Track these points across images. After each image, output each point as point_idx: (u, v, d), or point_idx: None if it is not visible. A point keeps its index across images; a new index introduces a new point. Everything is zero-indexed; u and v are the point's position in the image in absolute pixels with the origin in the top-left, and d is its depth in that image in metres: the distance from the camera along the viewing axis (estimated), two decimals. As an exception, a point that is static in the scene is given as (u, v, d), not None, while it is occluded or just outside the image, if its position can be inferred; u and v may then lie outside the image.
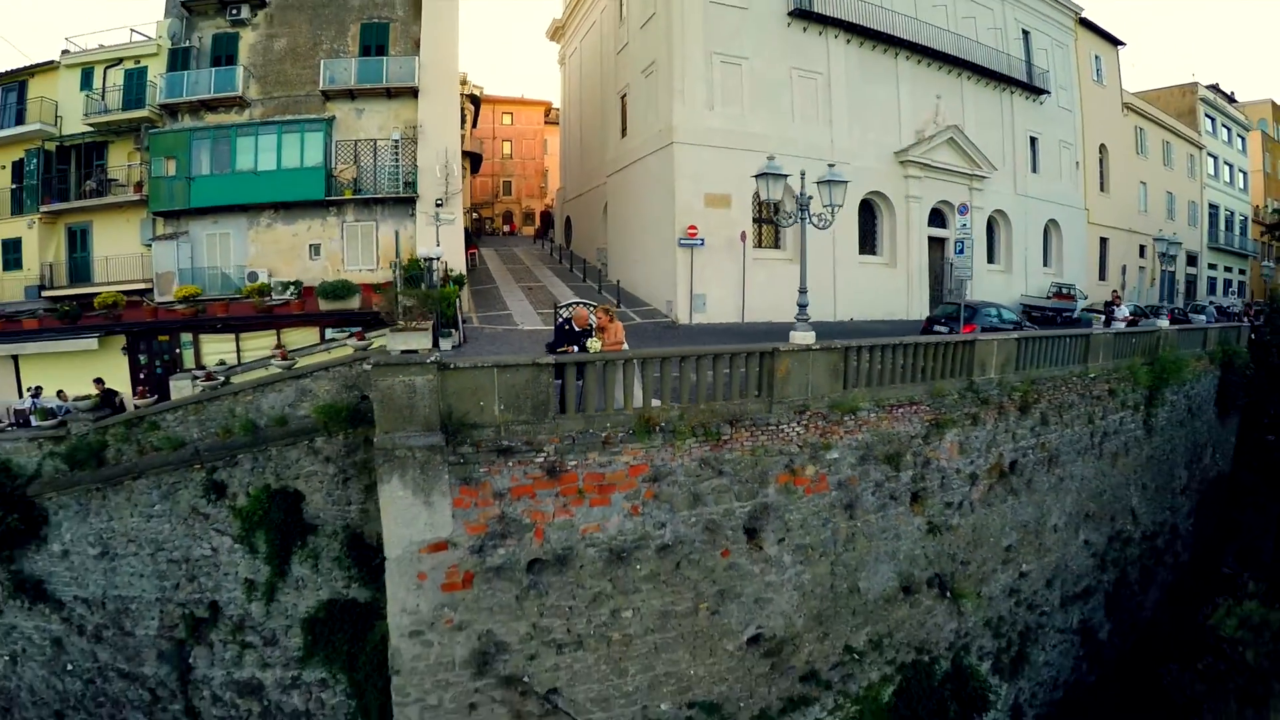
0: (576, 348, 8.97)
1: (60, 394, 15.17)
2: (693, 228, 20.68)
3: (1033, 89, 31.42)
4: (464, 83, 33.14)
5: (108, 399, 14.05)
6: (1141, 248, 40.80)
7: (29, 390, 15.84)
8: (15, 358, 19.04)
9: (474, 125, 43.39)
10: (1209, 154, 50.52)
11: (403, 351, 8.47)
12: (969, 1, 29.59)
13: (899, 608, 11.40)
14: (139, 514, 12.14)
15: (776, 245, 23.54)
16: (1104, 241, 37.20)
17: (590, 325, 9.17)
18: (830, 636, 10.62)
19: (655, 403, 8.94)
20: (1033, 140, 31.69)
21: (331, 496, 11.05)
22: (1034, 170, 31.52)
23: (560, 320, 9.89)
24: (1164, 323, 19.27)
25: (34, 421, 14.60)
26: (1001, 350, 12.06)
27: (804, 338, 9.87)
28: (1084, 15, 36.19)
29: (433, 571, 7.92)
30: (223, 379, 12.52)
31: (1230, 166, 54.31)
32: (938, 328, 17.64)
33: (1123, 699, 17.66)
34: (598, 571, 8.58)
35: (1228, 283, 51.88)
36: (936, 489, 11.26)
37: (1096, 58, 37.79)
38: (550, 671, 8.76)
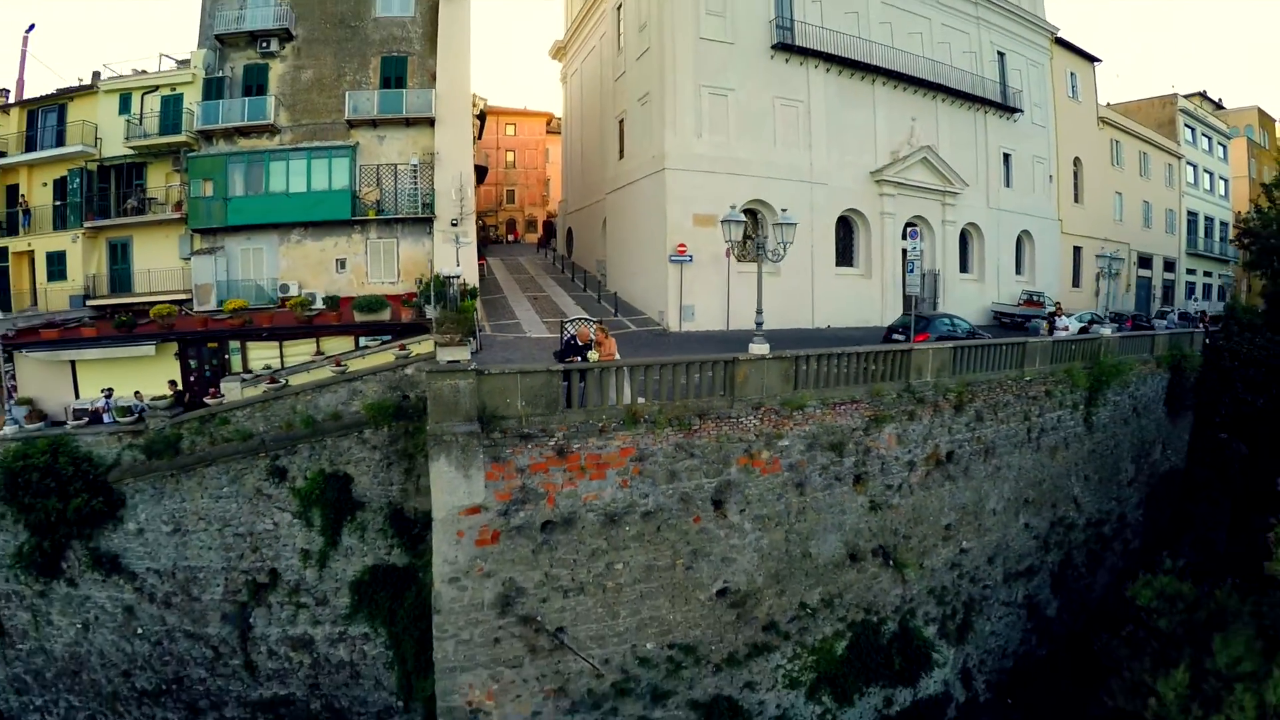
0: (580, 358, 11.45)
1: (137, 394, 17.67)
2: (682, 245, 23.22)
3: (1006, 108, 33.94)
4: (473, 102, 35.72)
5: (179, 398, 16.53)
6: (1115, 255, 43.25)
7: (102, 391, 18.34)
8: (73, 362, 21.52)
9: (479, 137, 46.00)
10: (1188, 163, 52.99)
11: (449, 361, 10.93)
12: (945, 27, 32.16)
13: (847, 572, 13.88)
14: (209, 495, 14.63)
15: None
16: (1078, 250, 39.73)
17: (590, 340, 11.66)
18: (787, 593, 13.10)
19: (640, 400, 11.43)
20: (1006, 156, 34.22)
21: (377, 478, 13.53)
22: (1007, 185, 34.06)
23: (566, 336, 12.41)
24: (1107, 331, 21.73)
25: (108, 419, 17.12)
26: (936, 357, 14.56)
27: (760, 349, 12.37)
28: (1060, 35, 38.74)
29: (469, 530, 10.39)
30: (283, 381, 15.01)
31: (1210, 174, 56.76)
32: (896, 336, 20.13)
33: (1073, 671, 20.10)
34: (595, 531, 11.07)
35: (1207, 287, 54.32)
36: (877, 473, 13.75)
37: (1072, 75, 40.34)
38: (558, 613, 11.24)
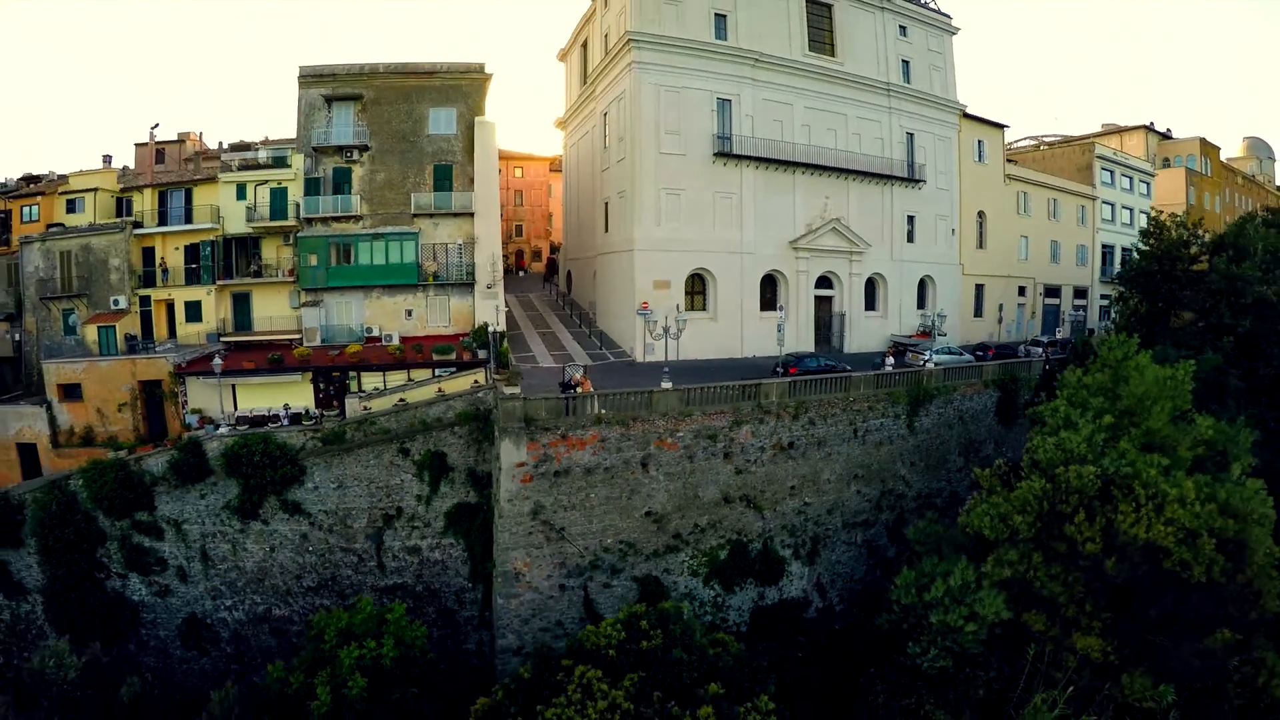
0: (574, 389, 23.76)
1: (286, 406, 30.08)
2: (645, 303, 35.61)
3: (912, 180, 46.22)
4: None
5: (330, 405, 28.87)
6: (1021, 288, 55.51)
7: (283, 406, 30.75)
8: (234, 385, 33.86)
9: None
10: (1104, 202, 65.17)
11: (510, 391, 23.13)
12: (860, 119, 44.52)
13: (723, 509, 26.19)
14: (360, 465, 26.97)
15: (703, 309, 38.47)
16: (980, 287, 51.94)
17: (578, 381, 23.96)
18: (686, 517, 25.40)
19: (602, 411, 23.71)
20: (910, 218, 46.53)
21: (461, 454, 25.83)
22: (910, 240, 46.34)
23: (565, 377, 24.79)
24: (931, 365, 33.89)
25: (285, 421, 29.57)
26: (779, 387, 26.82)
27: (665, 385, 24.67)
28: (967, 111, 51.02)
29: (517, 474, 22.71)
30: (401, 398, 27.23)
31: (1130, 210, 68.83)
32: (777, 370, 32.34)
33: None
34: (580, 477, 23.39)
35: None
36: (739, 453, 26.01)
37: (980, 142, 52.63)
38: (561, 520, 23.57)
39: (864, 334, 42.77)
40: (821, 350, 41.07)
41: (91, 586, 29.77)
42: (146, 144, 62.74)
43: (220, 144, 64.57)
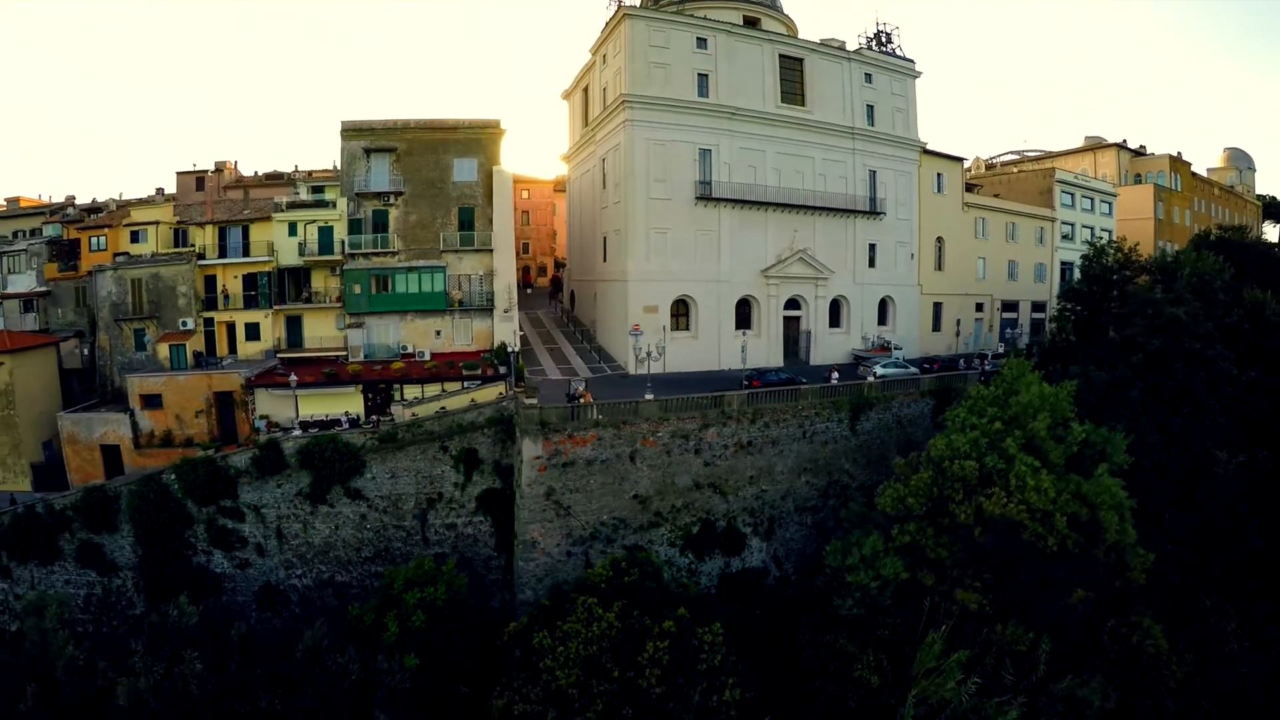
0: (578, 400, 31.96)
1: (346, 414, 38.35)
2: (637, 325, 43.78)
3: (874, 212, 54.33)
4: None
5: (367, 414, 37.12)
6: (979, 304, 63.57)
7: (344, 412, 39.01)
8: (295, 396, 42.07)
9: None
10: (1064, 223, 73.16)
11: (529, 401, 31.25)
12: (826, 160, 52.66)
13: (695, 493, 34.40)
14: (409, 459, 35.23)
15: (687, 329, 46.68)
16: (939, 305, 60.01)
17: (580, 393, 32.16)
18: (665, 499, 33.63)
19: (600, 416, 31.89)
20: (872, 246, 54.62)
21: (489, 450, 34.06)
22: (871, 265, 54.43)
23: (571, 391, 33.04)
24: (872, 378, 41.95)
25: (347, 425, 37.82)
26: (738, 398, 34.98)
27: (649, 396, 32.78)
28: (927, 147, 59.11)
29: (534, 465, 30.92)
30: (442, 406, 35.40)
31: (1090, 229, 76.73)
32: (743, 381, 40.45)
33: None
34: (582, 467, 31.57)
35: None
36: (707, 449, 34.16)
37: (939, 175, 60.75)
38: (568, 500, 31.85)
39: (829, 348, 50.95)
40: (790, 363, 49.29)
41: (180, 562, 37.99)
42: (188, 172, 71.60)
43: (255, 173, 73.36)
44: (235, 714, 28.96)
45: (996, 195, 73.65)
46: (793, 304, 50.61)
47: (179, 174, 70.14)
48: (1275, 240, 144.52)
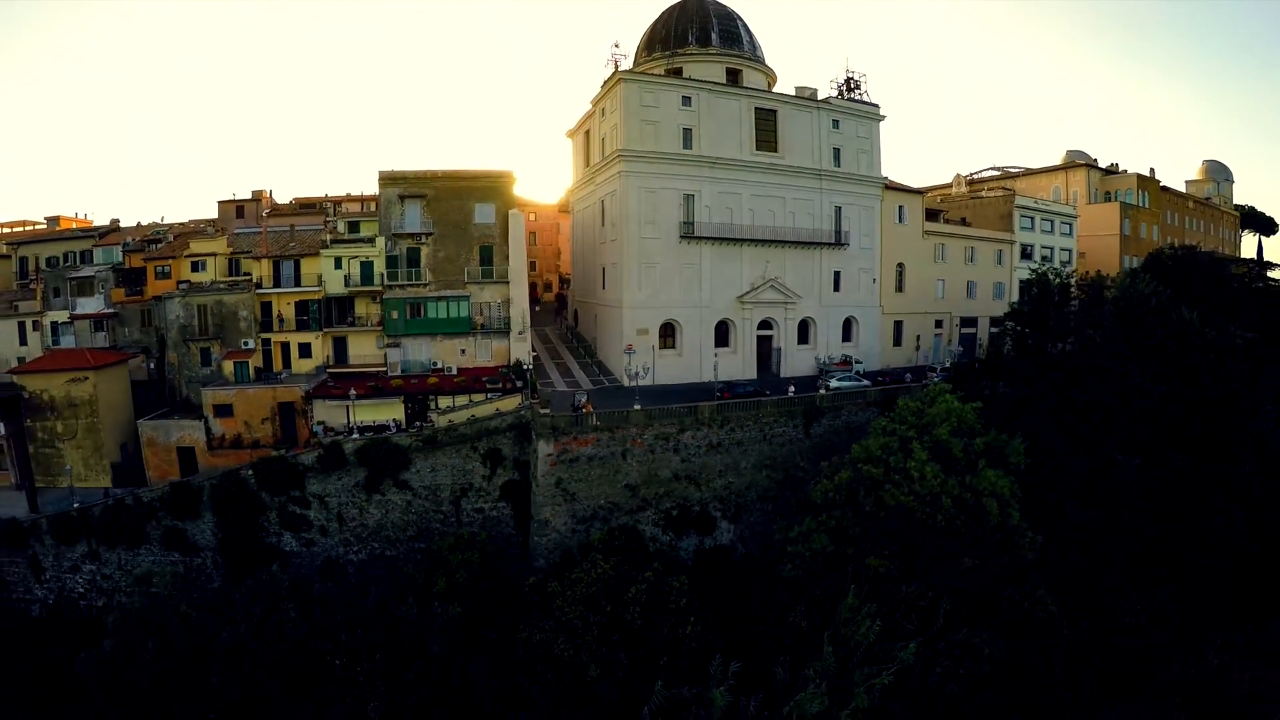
0: (581, 409, 42.43)
1: (394, 420, 48.91)
2: (630, 345, 54.20)
3: (838, 244, 64.62)
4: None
5: (409, 421, 47.64)
6: (938, 321, 73.75)
7: (391, 420, 49.54)
8: (348, 406, 52.59)
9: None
10: (1023, 244, 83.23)
11: (543, 410, 41.60)
12: (795, 200, 63.02)
13: (674, 484, 44.94)
14: (446, 456, 45.77)
15: (673, 348, 57.15)
16: (899, 323, 70.22)
17: (582, 403, 42.60)
18: (650, 488, 44.13)
19: (598, 423, 42.33)
20: (837, 273, 64.90)
21: (510, 449, 44.51)
22: (836, 289, 64.71)
23: (575, 402, 43.57)
24: (823, 391, 52.22)
25: (395, 430, 48.48)
26: (708, 408, 45.37)
27: (636, 407, 43.15)
28: (890, 182, 69.40)
29: (547, 460, 41.45)
30: (473, 414, 45.76)
31: (1050, 249, 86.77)
32: (717, 392, 50.78)
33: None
34: (585, 462, 42.08)
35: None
36: (684, 449, 44.54)
37: (900, 207, 71.04)
38: (573, 488, 42.46)
39: (797, 362, 61.27)
40: (763, 375, 59.68)
41: (255, 542, 48.53)
42: (229, 201, 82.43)
43: (291, 201, 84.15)
44: (319, 650, 39.35)
45: (963, 219, 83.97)
46: (765, 325, 60.99)
47: (220, 203, 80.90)
48: (1248, 253, 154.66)
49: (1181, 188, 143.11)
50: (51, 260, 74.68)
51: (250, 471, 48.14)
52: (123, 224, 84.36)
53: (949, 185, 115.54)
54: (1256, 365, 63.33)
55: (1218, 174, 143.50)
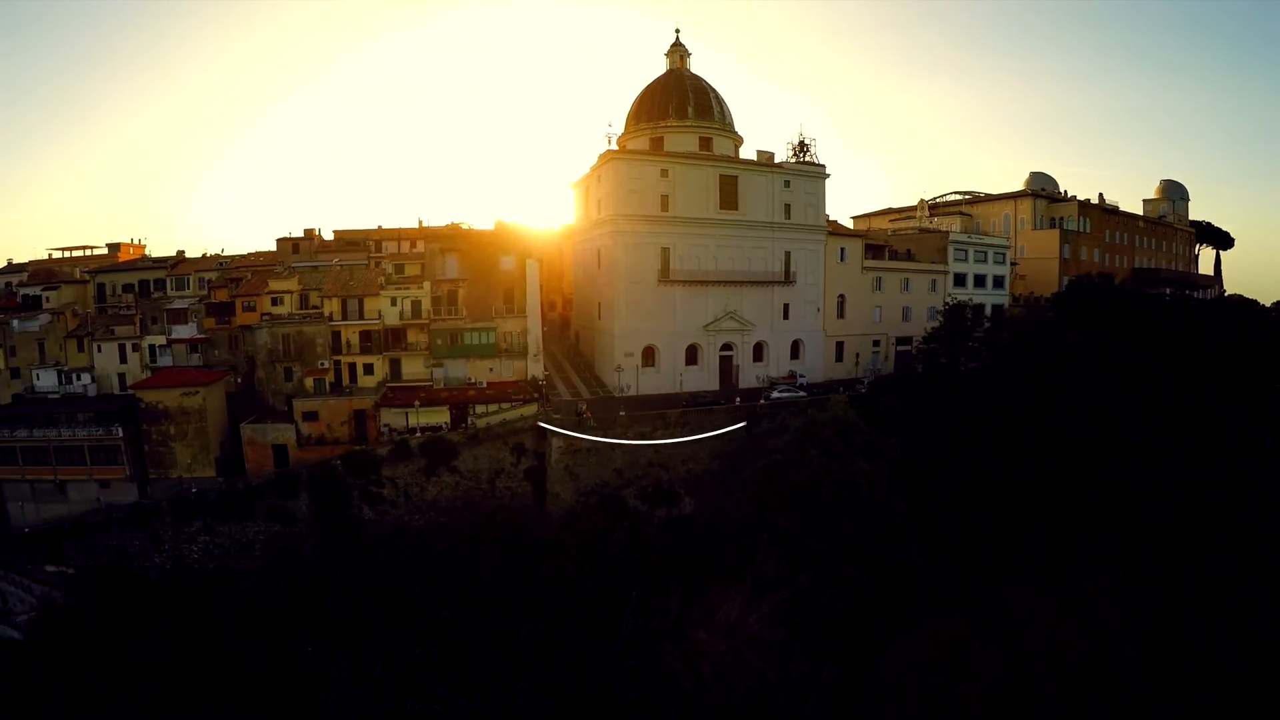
0: (582, 415, 63.83)
1: (443, 424, 70.42)
2: (619, 365, 75.52)
3: (788, 282, 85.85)
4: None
5: (454, 423, 69.07)
6: (876, 341, 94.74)
7: (442, 423, 71.07)
8: (407, 412, 73.97)
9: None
10: (958, 274, 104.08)
11: (555, 415, 62.88)
12: (752, 248, 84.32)
13: (650, 469, 66.48)
14: (484, 449, 67.30)
15: (653, 366, 78.61)
16: (841, 344, 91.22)
17: (583, 410, 64.00)
18: (632, 471, 65.76)
19: (594, 424, 63.73)
20: (786, 305, 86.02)
21: (531, 443, 65.89)
22: (785, 318, 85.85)
23: (579, 410, 65.08)
24: (764, 400, 73.43)
25: (446, 430, 70.26)
26: (676, 414, 66.69)
27: (621, 413, 64.33)
28: (834, 228, 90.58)
29: (558, 451, 62.91)
30: (504, 418, 66.93)
31: (984, 277, 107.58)
32: (684, 401, 72.06)
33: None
34: (585, 452, 63.56)
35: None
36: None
37: (843, 248, 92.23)
38: (577, 470, 64.03)
39: (752, 377, 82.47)
40: (725, 387, 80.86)
41: (342, 513, 70.11)
42: (286, 239, 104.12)
43: (336, 238, 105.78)
44: (403, 583, 60.75)
45: (909, 250, 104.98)
46: (727, 347, 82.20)
47: (279, 240, 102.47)
48: (1206, 266, 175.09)
49: (1139, 206, 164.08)
50: (128, 287, 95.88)
51: (339, 461, 69.75)
52: (158, 248, 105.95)
53: (914, 207, 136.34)
54: (1134, 377, 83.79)
55: (1173, 193, 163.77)
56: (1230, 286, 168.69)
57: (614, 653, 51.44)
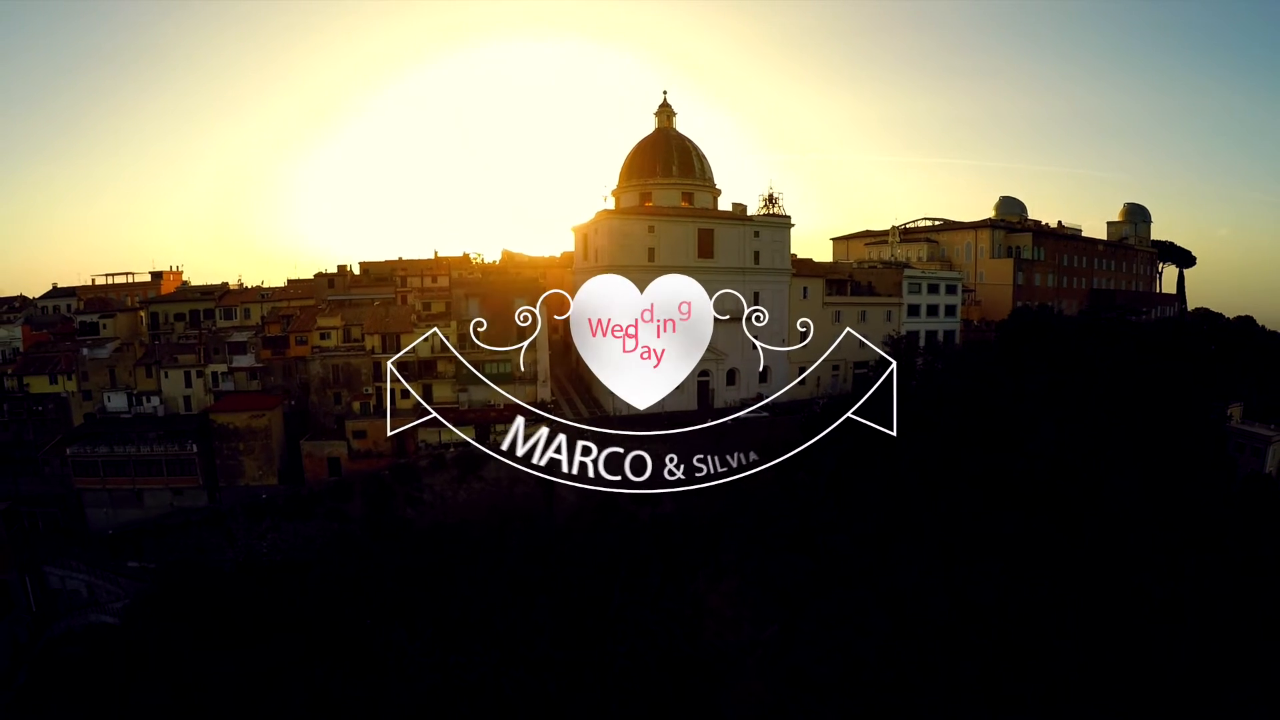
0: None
1: (473, 439, 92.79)
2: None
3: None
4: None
5: (485, 436, 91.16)
6: (836, 366, 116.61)
7: (469, 439, 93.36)
8: (440, 430, 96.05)
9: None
10: (911, 305, 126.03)
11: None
12: (726, 292, 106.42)
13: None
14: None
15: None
16: (803, 368, 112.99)
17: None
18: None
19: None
20: (756, 336, 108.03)
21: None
22: (754, 349, 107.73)
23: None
24: (731, 419, 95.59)
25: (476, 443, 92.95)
26: (656, 423, 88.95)
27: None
28: (796, 270, 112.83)
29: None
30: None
31: (937, 306, 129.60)
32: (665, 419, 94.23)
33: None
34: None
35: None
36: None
37: (805, 288, 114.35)
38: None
39: (726, 397, 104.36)
40: (701, 406, 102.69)
41: (389, 514, 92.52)
42: (323, 275, 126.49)
43: (360, 268, 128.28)
44: (448, 568, 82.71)
45: (869, 283, 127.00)
46: (704, 373, 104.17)
47: (316, 274, 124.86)
48: (1169, 284, 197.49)
49: (1102, 228, 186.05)
50: (179, 316, 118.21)
51: (387, 471, 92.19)
52: (183, 276, 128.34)
53: (888, 232, 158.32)
54: (1049, 401, 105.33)
55: (1135, 215, 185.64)
56: (1196, 302, 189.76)
57: (608, 618, 73.83)
